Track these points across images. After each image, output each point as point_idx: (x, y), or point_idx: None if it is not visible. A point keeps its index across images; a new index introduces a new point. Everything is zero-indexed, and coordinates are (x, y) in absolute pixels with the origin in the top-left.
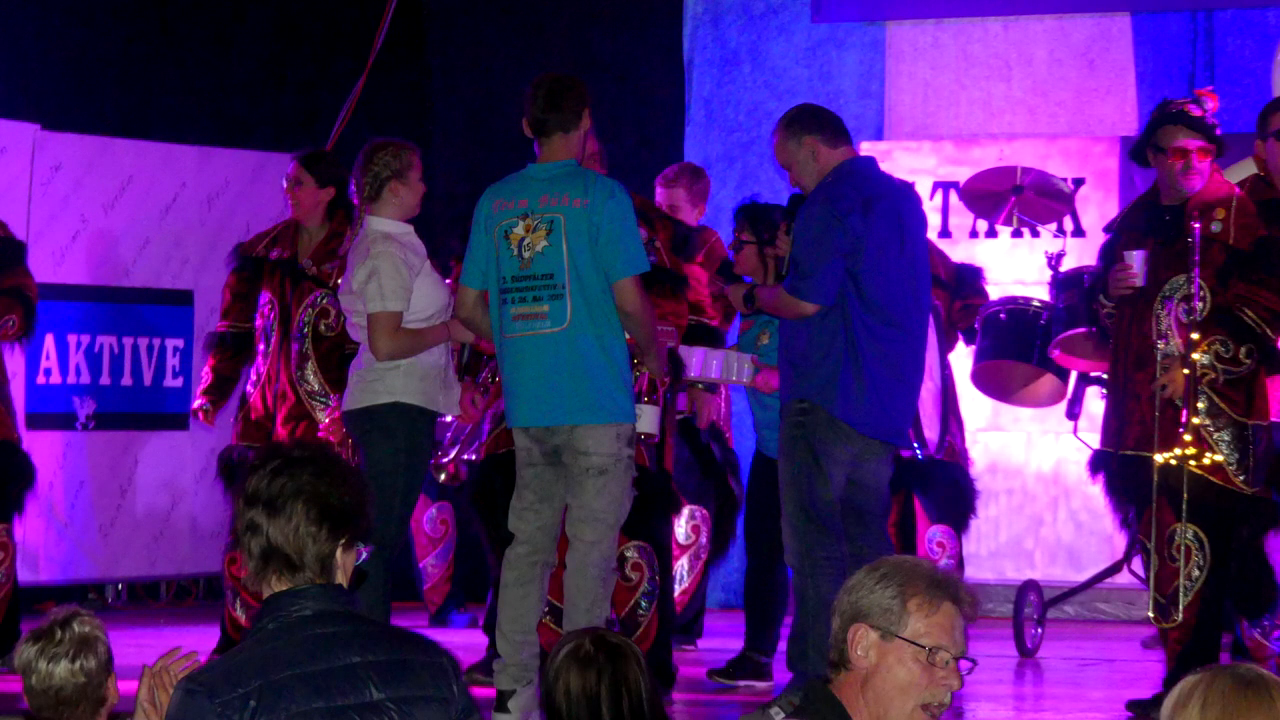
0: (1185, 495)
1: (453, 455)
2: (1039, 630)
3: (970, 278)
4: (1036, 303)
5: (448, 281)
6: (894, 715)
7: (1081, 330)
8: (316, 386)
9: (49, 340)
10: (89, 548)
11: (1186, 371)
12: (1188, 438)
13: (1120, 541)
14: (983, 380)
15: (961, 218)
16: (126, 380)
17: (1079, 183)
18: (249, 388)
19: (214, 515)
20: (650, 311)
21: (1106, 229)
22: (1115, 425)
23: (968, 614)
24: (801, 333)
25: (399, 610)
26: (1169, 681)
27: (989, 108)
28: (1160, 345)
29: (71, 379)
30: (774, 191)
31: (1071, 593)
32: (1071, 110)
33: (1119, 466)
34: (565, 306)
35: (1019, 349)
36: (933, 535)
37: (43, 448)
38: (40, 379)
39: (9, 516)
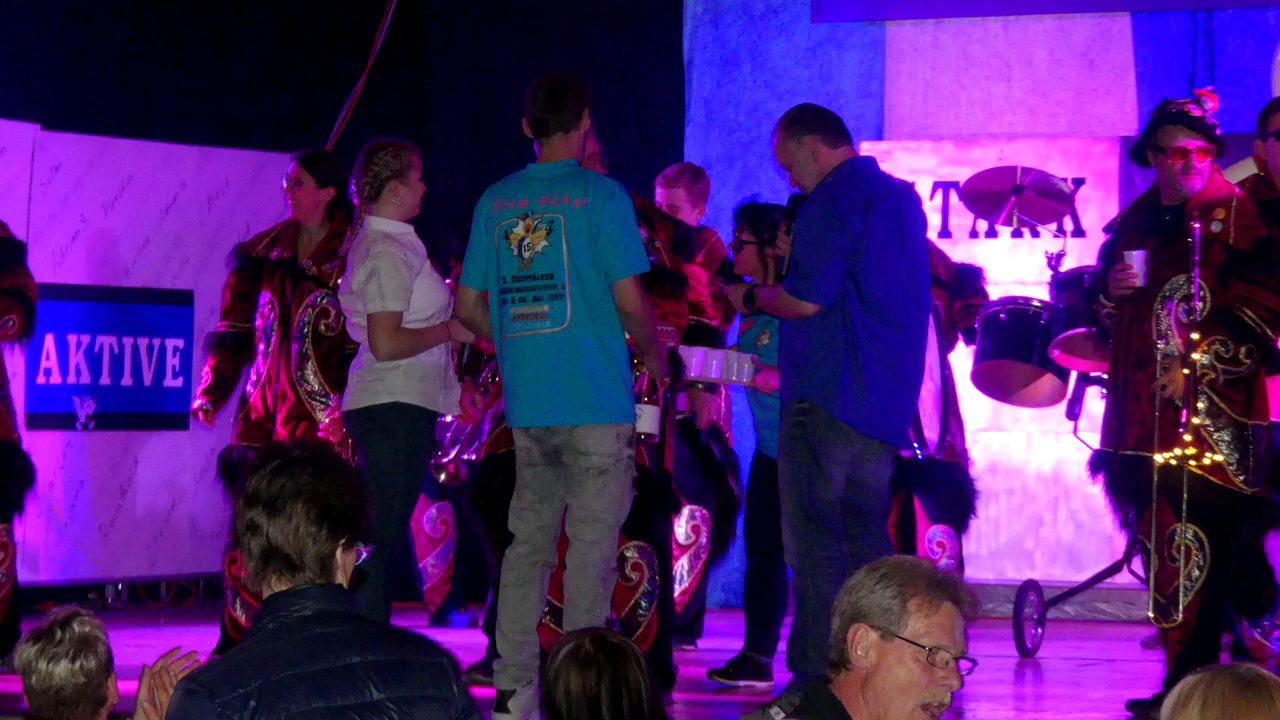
0: (1185, 495)
1: (453, 455)
2: (1039, 630)
3: (970, 278)
4: (1036, 303)
5: (448, 281)
6: (894, 715)
7: (1081, 330)
8: (316, 386)
9: (49, 340)
10: (89, 548)
11: (1186, 371)
12: (1188, 438)
13: (1120, 541)
14: (983, 380)
15: (961, 218)
16: (126, 380)
17: (1079, 183)
18: (249, 388)
19: (214, 515)
20: (650, 311)
21: (1106, 229)
22: (1115, 425)
23: (968, 614)
24: (801, 333)
25: (399, 610)
26: (1169, 681)
27: (989, 108)
28: (1160, 345)
29: (71, 379)
30: (774, 191)
31: (1071, 593)
32: (1071, 110)
33: (1119, 466)
34: (565, 306)
35: (1019, 349)
36: (933, 535)
37: (43, 448)
38: (40, 379)
39: (9, 516)
